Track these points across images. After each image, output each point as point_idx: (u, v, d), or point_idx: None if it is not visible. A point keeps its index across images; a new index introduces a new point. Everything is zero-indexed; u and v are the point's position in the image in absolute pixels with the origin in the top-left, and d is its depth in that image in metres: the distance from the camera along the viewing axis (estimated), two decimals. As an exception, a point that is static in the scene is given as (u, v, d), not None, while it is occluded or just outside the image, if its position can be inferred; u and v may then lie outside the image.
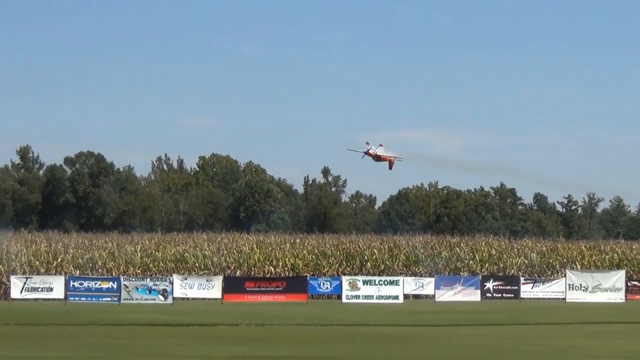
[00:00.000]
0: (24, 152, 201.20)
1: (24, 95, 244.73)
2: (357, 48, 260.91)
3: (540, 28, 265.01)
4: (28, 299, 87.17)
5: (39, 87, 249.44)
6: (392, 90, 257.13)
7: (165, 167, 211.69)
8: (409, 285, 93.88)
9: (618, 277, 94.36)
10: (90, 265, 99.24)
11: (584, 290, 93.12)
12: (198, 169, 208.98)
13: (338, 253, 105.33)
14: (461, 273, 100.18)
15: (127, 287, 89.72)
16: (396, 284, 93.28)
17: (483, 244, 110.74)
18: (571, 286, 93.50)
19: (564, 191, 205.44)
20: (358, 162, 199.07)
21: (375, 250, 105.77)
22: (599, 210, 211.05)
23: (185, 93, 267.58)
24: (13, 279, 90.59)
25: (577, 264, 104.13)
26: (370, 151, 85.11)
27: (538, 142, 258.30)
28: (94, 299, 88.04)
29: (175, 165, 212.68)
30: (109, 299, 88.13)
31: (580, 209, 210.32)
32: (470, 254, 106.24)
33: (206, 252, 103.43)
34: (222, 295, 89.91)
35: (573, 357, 37.09)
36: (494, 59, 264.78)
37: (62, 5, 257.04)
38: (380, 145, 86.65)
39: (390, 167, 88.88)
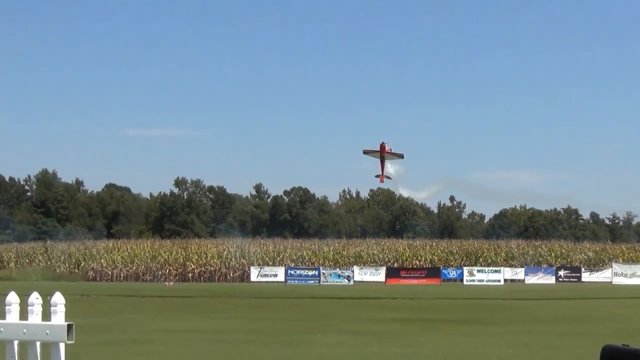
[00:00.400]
0: (258, 187, 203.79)
1: (258, 149, 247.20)
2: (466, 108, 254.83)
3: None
4: (261, 282, 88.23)
5: (268, 144, 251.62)
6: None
7: (347, 196, 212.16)
8: (507, 273, 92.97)
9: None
10: (301, 259, 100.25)
11: (624, 277, 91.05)
12: (369, 197, 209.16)
13: (460, 252, 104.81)
14: (542, 265, 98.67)
15: (324, 274, 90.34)
16: (499, 272, 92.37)
17: (556, 245, 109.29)
18: (616, 273, 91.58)
19: (610, 210, 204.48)
20: (473, 192, 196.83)
21: (485, 250, 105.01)
22: (634, 222, 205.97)
23: (360, 143, 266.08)
24: (252, 268, 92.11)
25: (620, 258, 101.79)
26: (384, 143, 78.94)
27: (593, 177, 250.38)
28: (303, 281, 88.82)
29: (354, 194, 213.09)
30: (313, 281, 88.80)
31: (621, 222, 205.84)
32: (548, 252, 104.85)
33: (374, 251, 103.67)
34: (385, 279, 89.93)
35: (620, 321, 36.18)
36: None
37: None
38: (390, 148, 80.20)
39: (382, 180, 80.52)
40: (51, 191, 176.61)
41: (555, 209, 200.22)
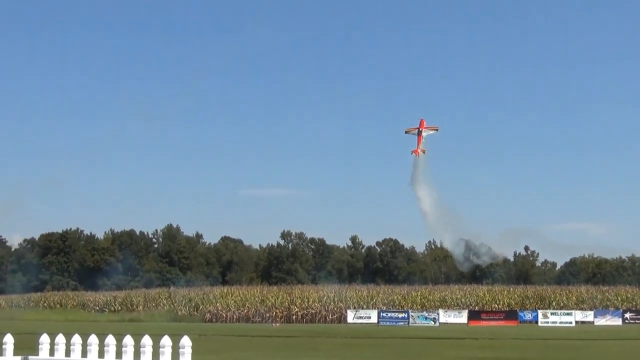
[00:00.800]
0: (353, 239, 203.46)
1: (354, 205, 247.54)
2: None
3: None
4: (356, 323, 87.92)
5: (363, 200, 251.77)
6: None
7: (432, 246, 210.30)
8: (578, 315, 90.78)
9: None
10: (391, 303, 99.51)
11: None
12: (450, 248, 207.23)
13: (535, 296, 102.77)
14: (609, 308, 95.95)
15: (412, 316, 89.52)
16: (570, 315, 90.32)
17: (622, 290, 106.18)
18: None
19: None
20: (545, 244, 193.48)
21: (557, 294, 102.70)
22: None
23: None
24: (348, 311, 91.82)
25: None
26: (423, 119, 77.81)
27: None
28: (393, 323, 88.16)
29: (438, 244, 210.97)
30: (402, 323, 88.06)
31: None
32: (615, 296, 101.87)
33: (457, 296, 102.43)
34: (468, 321, 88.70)
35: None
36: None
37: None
38: (425, 126, 78.17)
39: (417, 153, 78.16)
40: (175, 243, 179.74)
41: (620, 257, 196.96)
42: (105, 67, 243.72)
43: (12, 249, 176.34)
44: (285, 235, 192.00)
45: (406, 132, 78.51)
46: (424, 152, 77.94)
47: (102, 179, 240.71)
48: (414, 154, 77.73)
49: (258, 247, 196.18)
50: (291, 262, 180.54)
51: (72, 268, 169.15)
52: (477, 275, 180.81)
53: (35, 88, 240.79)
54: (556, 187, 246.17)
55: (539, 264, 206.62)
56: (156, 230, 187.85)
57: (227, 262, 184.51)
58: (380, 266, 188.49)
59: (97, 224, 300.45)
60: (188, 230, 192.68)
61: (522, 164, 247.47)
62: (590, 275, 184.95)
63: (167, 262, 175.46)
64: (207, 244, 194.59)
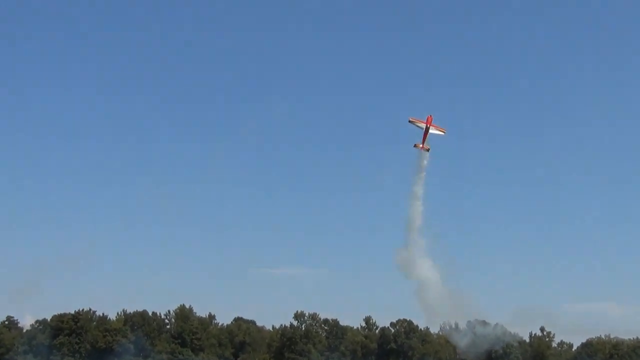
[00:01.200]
0: (367, 319, 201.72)
1: (368, 285, 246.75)
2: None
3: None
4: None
5: (377, 281, 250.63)
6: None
7: (447, 327, 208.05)
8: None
9: None
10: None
11: None
12: (466, 328, 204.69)
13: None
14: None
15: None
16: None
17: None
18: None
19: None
20: (560, 325, 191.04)
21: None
22: None
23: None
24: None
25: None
26: (431, 116, 76.86)
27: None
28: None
29: (453, 325, 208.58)
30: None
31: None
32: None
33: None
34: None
35: None
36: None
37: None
38: (433, 124, 77.15)
39: (422, 148, 77.04)
40: (187, 324, 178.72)
41: (637, 338, 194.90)
42: (114, 143, 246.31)
43: (24, 330, 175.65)
44: (298, 316, 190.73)
45: (410, 122, 78.15)
46: (428, 150, 77.58)
47: (114, 260, 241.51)
48: (416, 147, 77.34)
49: (271, 328, 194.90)
50: (304, 343, 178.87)
51: (84, 349, 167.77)
52: (493, 356, 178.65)
53: (49, 171, 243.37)
54: (571, 267, 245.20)
55: (555, 345, 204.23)
56: (169, 311, 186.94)
57: (239, 343, 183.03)
58: (394, 347, 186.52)
59: (110, 305, 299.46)
60: (201, 311, 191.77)
61: (537, 242, 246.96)
62: (607, 356, 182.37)
63: (179, 343, 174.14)
64: (219, 324, 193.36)
